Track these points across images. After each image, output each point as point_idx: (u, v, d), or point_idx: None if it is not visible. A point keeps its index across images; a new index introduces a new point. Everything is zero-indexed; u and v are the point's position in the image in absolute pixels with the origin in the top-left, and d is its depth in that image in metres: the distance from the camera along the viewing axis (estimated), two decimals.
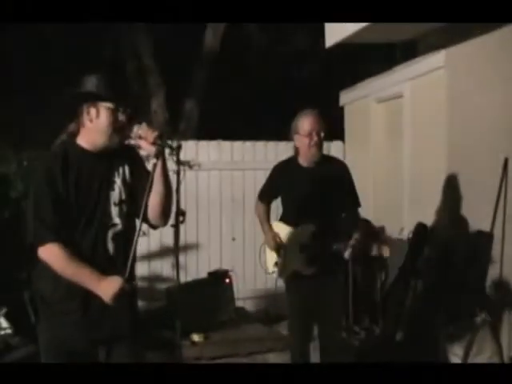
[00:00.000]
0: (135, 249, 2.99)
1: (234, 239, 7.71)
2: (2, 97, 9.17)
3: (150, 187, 3.01)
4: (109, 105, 3.10)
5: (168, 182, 3.12)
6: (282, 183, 4.71)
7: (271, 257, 4.77)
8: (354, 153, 7.90)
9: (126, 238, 3.15)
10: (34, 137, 7.52)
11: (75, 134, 3.17)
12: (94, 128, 3.11)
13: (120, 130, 3.13)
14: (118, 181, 3.19)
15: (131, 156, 3.28)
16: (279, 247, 4.65)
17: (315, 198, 4.50)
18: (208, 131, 8.39)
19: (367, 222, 6.93)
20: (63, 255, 2.99)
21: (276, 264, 4.68)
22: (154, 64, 9.87)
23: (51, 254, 3.01)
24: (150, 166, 3.26)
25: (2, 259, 6.65)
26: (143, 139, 3.06)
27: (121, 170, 3.21)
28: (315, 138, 4.48)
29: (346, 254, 4.36)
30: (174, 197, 3.12)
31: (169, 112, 9.82)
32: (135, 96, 9.12)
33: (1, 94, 9.19)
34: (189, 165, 7.41)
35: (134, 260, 3.07)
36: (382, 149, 7.35)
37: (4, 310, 5.93)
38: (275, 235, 4.69)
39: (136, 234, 2.98)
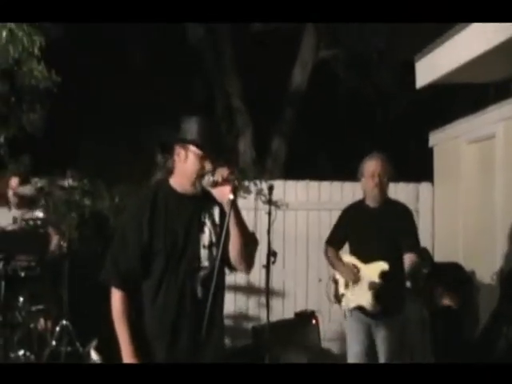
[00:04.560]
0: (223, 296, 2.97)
1: (320, 280, 7.66)
2: (95, 134, 9.51)
3: (227, 228, 2.95)
4: (197, 151, 3.07)
5: (243, 222, 3.03)
6: (351, 225, 4.93)
7: (337, 288, 4.98)
8: (444, 195, 7.77)
9: (215, 281, 3.05)
10: (125, 173, 7.79)
11: (170, 173, 3.19)
12: (181, 170, 3.12)
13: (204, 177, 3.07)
14: (208, 223, 3.14)
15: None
16: (357, 279, 4.79)
17: (382, 237, 4.71)
18: (296, 171, 8.43)
19: (457, 266, 6.77)
20: (120, 305, 3.05)
21: (342, 295, 4.89)
22: (242, 104, 10.04)
23: (113, 297, 3.09)
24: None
25: (94, 293, 6.84)
26: (217, 182, 2.98)
27: (211, 212, 3.17)
28: (376, 180, 4.73)
29: None
30: (265, 238, 3.08)
31: (256, 151, 9.92)
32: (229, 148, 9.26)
33: (95, 132, 9.54)
34: (276, 205, 7.44)
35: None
36: (473, 191, 7.18)
37: (95, 343, 6.07)
38: (353, 268, 4.82)
39: (213, 277, 2.90)
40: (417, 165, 7.14)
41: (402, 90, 9.59)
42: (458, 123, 7.43)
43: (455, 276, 6.49)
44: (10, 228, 6.16)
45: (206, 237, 3.13)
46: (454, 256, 7.13)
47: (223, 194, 2.97)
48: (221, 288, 3.17)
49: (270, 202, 2.91)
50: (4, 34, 6.62)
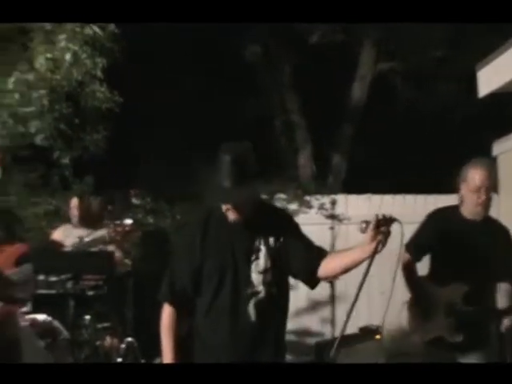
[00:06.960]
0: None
1: (383, 293, 7.57)
2: (156, 152, 9.65)
3: (372, 260, 2.94)
4: None
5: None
6: (439, 233, 4.14)
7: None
8: (510, 205, 7.58)
9: (271, 305, 3.07)
10: (186, 190, 7.87)
11: None
12: None
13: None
14: (263, 248, 3.07)
15: (284, 221, 3.20)
16: (429, 309, 4.14)
17: (474, 256, 3.98)
18: (356, 185, 8.37)
19: None
20: (166, 319, 3.11)
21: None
22: (302, 119, 10.05)
23: (163, 312, 3.14)
24: None
25: (158, 310, 6.91)
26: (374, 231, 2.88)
27: (267, 237, 3.08)
28: (483, 197, 3.96)
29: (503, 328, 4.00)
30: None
31: (316, 166, 9.90)
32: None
33: (156, 150, 9.68)
34: (338, 219, 7.41)
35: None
36: None
37: (159, 360, 6.11)
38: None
39: (347, 316, 2.93)
40: None
41: (463, 99, 9.44)
42: None
43: None
44: (76, 247, 6.28)
45: (262, 263, 3.06)
46: None
47: (374, 243, 2.88)
48: (281, 310, 3.17)
49: (332, 216, 2.81)
50: (68, 57, 6.81)
